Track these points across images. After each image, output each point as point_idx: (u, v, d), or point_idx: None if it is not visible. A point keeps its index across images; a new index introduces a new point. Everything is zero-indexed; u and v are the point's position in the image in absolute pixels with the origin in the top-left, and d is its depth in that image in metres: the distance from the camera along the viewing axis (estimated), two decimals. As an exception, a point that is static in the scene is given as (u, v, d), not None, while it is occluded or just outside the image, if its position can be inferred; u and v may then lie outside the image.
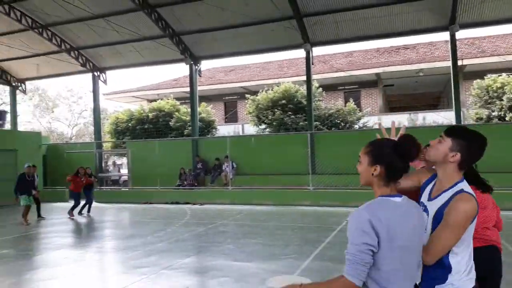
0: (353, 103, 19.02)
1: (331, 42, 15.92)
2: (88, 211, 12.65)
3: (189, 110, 18.75)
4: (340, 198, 13.05)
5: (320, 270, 5.84)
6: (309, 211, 12.53)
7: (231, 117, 25.50)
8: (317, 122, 17.16)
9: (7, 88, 22.72)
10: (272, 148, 15.85)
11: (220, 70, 27.37)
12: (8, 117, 21.08)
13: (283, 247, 7.43)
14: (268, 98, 18.45)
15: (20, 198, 10.97)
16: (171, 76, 44.44)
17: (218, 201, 14.75)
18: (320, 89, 18.81)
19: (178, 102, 21.25)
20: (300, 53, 16.74)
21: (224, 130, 22.36)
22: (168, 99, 21.31)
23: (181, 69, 49.23)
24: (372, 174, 1.79)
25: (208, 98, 24.05)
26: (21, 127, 22.85)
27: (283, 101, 17.95)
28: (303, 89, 17.95)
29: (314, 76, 17.48)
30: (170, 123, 19.55)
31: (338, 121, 17.99)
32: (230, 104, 25.84)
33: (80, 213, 12.41)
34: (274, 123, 17.83)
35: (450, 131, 1.99)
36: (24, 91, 21.81)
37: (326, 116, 18.03)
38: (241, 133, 22.55)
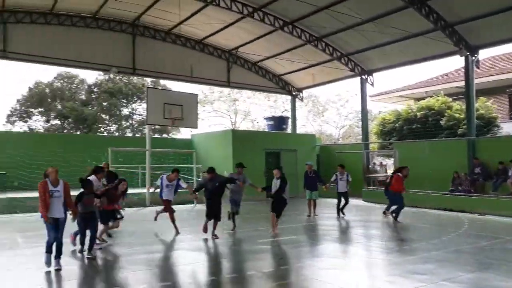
0: None
1: None
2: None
3: (463, 106, 16.82)
4: None
5: None
6: None
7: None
8: None
9: (288, 97, 26.59)
10: None
11: (503, 58, 23.24)
12: (289, 122, 24.54)
13: None
14: None
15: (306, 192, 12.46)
16: (440, 71, 41.13)
17: (503, 213, 12.50)
18: None
19: (449, 99, 19.43)
20: None
21: (509, 128, 18.88)
22: (437, 96, 19.81)
23: (453, 63, 44.95)
24: None
25: (487, 91, 20.86)
26: (298, 130, 26.29)
27: None
28: None
29: None
30: (440, 122, 18.10)
31: None
32: (517, 97, 21.59)
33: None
34: None
35: None
36: (301, 99, 24.98)
37: None
38: (534, 132, 18.47)
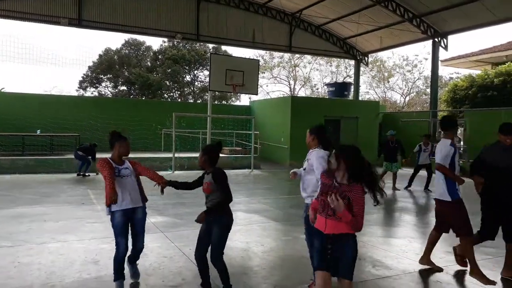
0: None
1: None
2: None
3: (550, 72, 15.10)
4: None
5: None
6: None
7: None
8: None
9: (352, 62, 25.58)
10: None
11: None
12: (351, 88, 23.72)
13: None
14: None
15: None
16: (523, 33, 37.17)
17: None
18: None
19: (533, 63, 17.53)
20: None
21: None
22: (520, 61, 17.94)
23: (538, 24, 40.26)
24: None
25: None
26: (361, 97, 25.39)
27: None
28: None
29: None
30: (520, 89, 16.47)
31: None
32: None
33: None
34: None
35: None
36: (366, 64, 23.92)
37: None
38: None
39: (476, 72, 21.82)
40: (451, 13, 16.69)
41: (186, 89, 37.29)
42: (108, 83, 36.73)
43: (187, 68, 36.11)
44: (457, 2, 15.76)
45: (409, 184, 11.40)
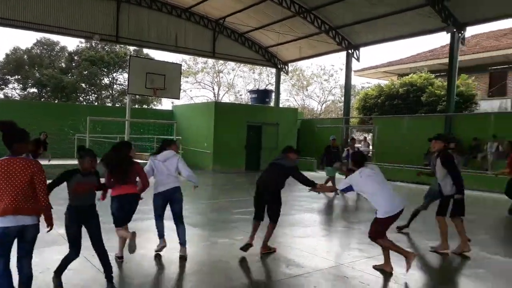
0: None
1: None
2: None
3: (445, 83, 17.01)
4: None
5: None
6: None
7: (497, 90, 21.64)
8: None
9: (273, 70, 26.40)
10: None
11: (489, 35, 23.41)
12: (273, 95, 24.44)
13: None
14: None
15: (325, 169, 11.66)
16: (425, 48, 41.20)
17: (474, 187, 12.93)
18: None
19: (432, 75, 19.60)
20: None
21: (487, 105, 19.25)
22: (421, 73, 19.94)
23: (439, 39, 45.19)
24: None
25: (469, 69, 21.10)
26: (281, 104, 26.28)
27: None
28: None
29: None
30: (421, 98, 18.29)
31: None
32: (497, 75, 21.91)
33: None
34: None
35: None
36: (286, 72, 24.83)
37: None
38: (509, 109, 18.90)
39: (384, 82, 23.80)
40: (362, 27, 18.07)
41: (104, 92, 35.51)
42: (16, 84, 33.63)
43: (105, 70, 34.41)
44: (367, 17, 17.10)
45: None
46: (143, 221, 6.78)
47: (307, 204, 9.68)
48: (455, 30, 15.30)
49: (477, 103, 18.30)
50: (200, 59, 35.99)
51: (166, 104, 35.90)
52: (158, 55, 33.83)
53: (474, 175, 13.48)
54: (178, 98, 17.13)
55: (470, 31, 22.10)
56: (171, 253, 5.28)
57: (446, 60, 16.44)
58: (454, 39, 15.48)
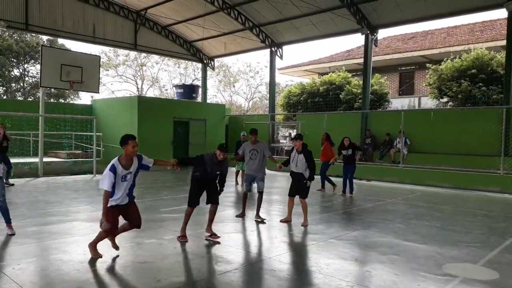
0: None
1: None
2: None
3: (361, 82, 18.21)
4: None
5: (511, 264, 5.01)
6: (496, 198, 10.91)
7: (406, 89, 23.71)
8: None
9: (200, 65, 26.13)
10: (454, 124, 14.16)
11: (399, 38, 25.50)
12: (199, 91, 24.26)
13: (463, 234, 6.64)
14: (453, 68, 16.41)
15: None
16: (344, 48, 43.56)
17: (386, 179, 14.11)
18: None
19: (349, 75, 20.83)
20: (500, 13, 14.23)
21: (398, 103, 20.99)
22: (339, 72, 21.10)
23: (356, 40, 48.09)
24: None
25: (382, 69, 22.82)
26: (209, 100, 26.16)
27: (473, 71, 15.71)
28: (501, 56, 15.38)
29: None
30: (340, 96, 19.39)
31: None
32: (406, 75, 23.99)
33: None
34: (459, 96, 15.82)
35: None
36: (213, 68, 24.73)
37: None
38: (417, 107, 20.81)
39: (306, 80, 24.78)
40: (284, 26, 18.62)
41: (14, 85, 32.38)
42: None
43: (14, 61, 31.37)
44: (288, 16, 17.65)
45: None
46: (59, 224, 6.37)
47: (236, 200, 9.80)
48: (368, 32, 16.42)
49: (389, 101, 19.86)
50: (122, 51, 34.44)
51: (85, 98, 33.80)
52: (75, 46, 31.65)
53: (386, 168, 14.67)
54: (97, 92, 16.23)
55: (382, 33, 23.94)
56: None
57: (362, 60, 17.61)
58: (368, 41, 16.62)
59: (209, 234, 6.08)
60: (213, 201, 6.03)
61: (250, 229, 6.84)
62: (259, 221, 7.28)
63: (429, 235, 6.56)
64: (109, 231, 4.88)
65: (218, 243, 5.83)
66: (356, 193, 11.06)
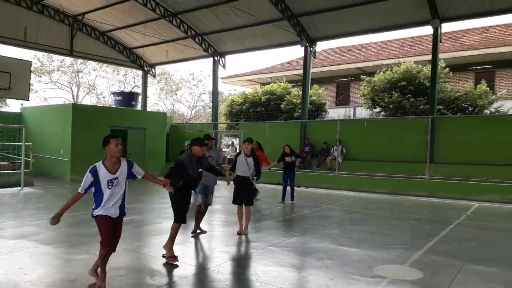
0: (486, 85, 16.92)
1: (465, 17, 14.20)
2: None
3: (300, 93, 18.76)
4: (461, 190, 12.02)
5: (433, 264, 5.39)
6: (424, 202, 11.71)
7: (342, 100, 24.82)
8: (440, 106, 15.81)
9: (140, 72, 25.48)
10: (387, 133, 15.02)
11: (336, 51, 26.69)
12: (139, 98, 23.62)
13: (393, 237, 7.05)
14: (385, 79, 17.48)
15: None
16: (285, 59, 44.66)
17: (324, 185, 14.62)
18: (447, 69, 17.21)
19: (290, 85, 21.40)
20: (426, 30, 15.42)
21: (335, 113, 21.89)
22: (280, 82, 21.60)
23: (296, 52, 49.47)
24: None
25: (320, 80, 23.71)
26: (149, 108, 25.55)
27: (403, 83, 16.86)
28: (427, 70, 16.65)
29: (441, 55, 15.98)
30: (281, 106, 19.83)
31: (466, 105, 16.25)
32: (342, 86, 25.15)
33: None
34: (391, 106, 16.87)
35: None
36: (154, 75, 24.21)
37: (451, 100, 16.41)
38: (352, 117, 21.83)
39: (249, 90, 25.07)
40: (227, 35, 18.75)
41: None
42: None
43: None
44: (231, 26, 17.80)
45: None
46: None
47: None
48: (307, 44, 17.01)
49: (326, 111, 20.66)
50: (56, 57, 32.64)
51: (14, 105, 31.43)
52: (4, 50, 29.50)
53: (323, 175, 15.19)
54: (28, 99, 15.25)
55: (320, 46, 24.88)
56: (17, 276, 4.69)
57: (301, 72, 18.18)
58: (307, 53, 17.21)
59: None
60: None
61: (189, 241, 6.74)
62: (199, 232, 7.15)
63: (362, 239, 6.88)
64: (109, 246, 4.27)
65: (156, 256, 5.67)
66: (295, 200, 11.32)
